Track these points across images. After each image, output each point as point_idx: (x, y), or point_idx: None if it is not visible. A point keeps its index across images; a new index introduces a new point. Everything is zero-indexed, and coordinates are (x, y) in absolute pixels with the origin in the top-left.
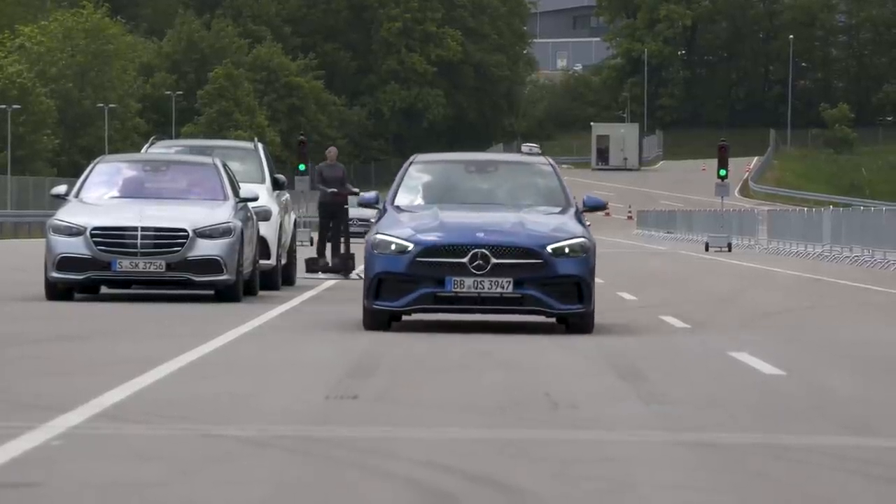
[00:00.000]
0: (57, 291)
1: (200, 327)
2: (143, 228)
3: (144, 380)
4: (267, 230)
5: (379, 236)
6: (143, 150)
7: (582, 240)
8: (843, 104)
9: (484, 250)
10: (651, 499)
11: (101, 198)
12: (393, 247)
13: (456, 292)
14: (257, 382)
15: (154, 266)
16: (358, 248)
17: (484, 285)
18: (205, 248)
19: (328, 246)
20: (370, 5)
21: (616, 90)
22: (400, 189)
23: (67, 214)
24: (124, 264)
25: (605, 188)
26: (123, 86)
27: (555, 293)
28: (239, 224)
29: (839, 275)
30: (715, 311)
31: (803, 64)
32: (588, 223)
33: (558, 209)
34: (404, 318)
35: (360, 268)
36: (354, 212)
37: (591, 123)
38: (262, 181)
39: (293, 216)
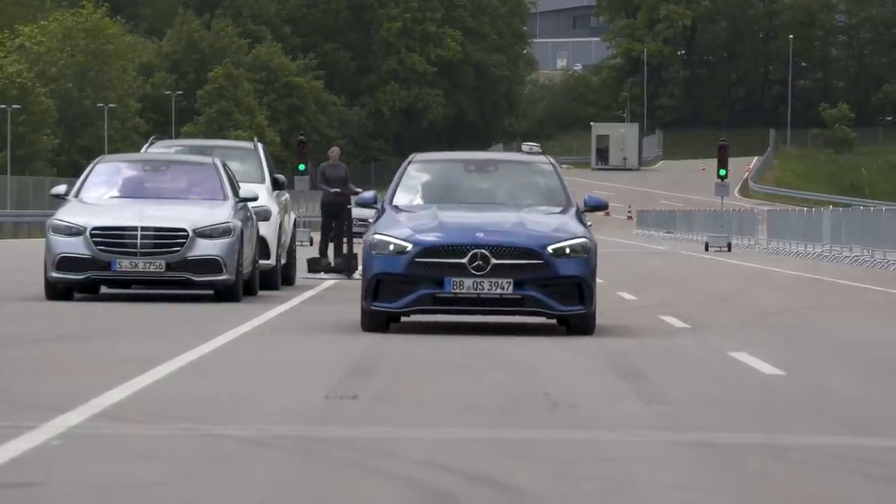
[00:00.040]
0: (57, 291)
1: (200, 327)
2: (143, 228)
3: (144, 380)
4: (267, 230)
5: (377, 236)
6: (142, 150)
7: (583, 240)
8: (842, 104)
9: (484, 251)
10: (651, 499)
11: (101, 198)
12: (391, 247)
13: (455, 293)
14: (257, 382)
15: (154, 266)
16: (361, 248)
17: (483, 286)
18: (204, 248)
19: (331, 246)
20: (370, 5)
21: (616, 90)
22: (398, 189)
23: (67, 214)
24: (124, 264)
25: (605, 188)
26: (123, 86)
27: (555, 294)
28: (239, 224)
29: (839, 275)
30: (715, 311)
31: (803, 64)
32: (589, 223)
33: (559, 209)
34: (403, 319)
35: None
36: (357, 212)
37: (591, 123)
38: (262, 181)
39: (293, 216)
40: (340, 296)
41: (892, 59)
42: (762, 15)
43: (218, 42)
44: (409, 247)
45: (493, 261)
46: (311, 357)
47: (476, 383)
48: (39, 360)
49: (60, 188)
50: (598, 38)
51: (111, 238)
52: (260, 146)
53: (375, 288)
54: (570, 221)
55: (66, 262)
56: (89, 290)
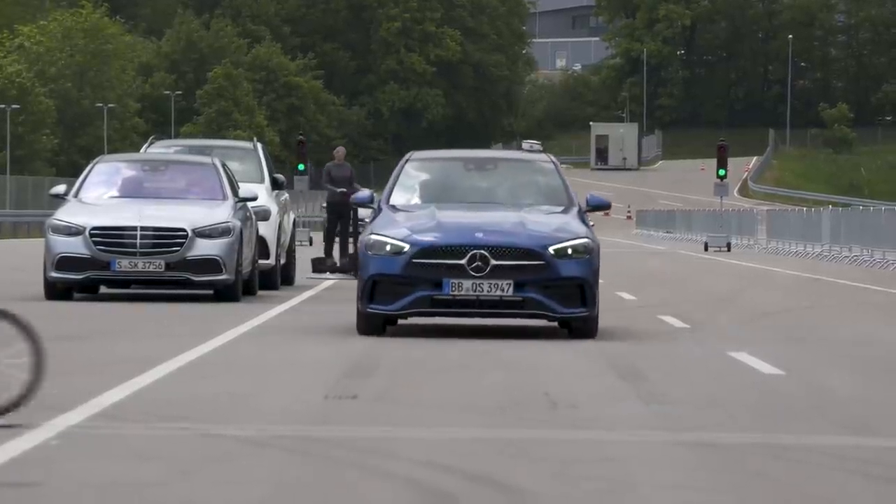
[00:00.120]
0: (56, 291)
1: (199, 327)
2: (143, 228)
3: (143, 379)
4: (266, 230)
5: (373, 237)
6: (142, 150)
7: (585, 240)
8: (842, 104)
9: (483, 251)
10: (651, 499)
11: (101, 197)
12: (388, 248)
13: (454, 295)
14: (256, 382)
15: (153, 266)
16: None
17: (483, 288)
18: (204, 248)
19: (336, 246)
20: (369, 5)
21: (615, 90)
22: (395, 188)
23: (66, 214)
24: (123, 264)
25: (605, 188)
26: (122, 85)
27: (557, 296)
28: (238, 224)
29: (838, 274)
30: (714, 311)
31: (802, 64)
32: (591, 223)
33: (560, 208)
34: (400, 322)
35: None
36: (364, 212)
37: (591, 123)
38: (262, 181)
39: (292, 216)
40: (340, 296)
41: (891, 59)
42: (761, 15)
43: (217, 42)
44: (407, 247)
45: (493, 262)
46: (310, 357)
47: (476, 383)
48: None
49: (60, 188)
50: (597, 38)
51: (110, 238)
52: (259, 146)
53: (372, 290)
54: (571, 221)
55: (65, 262)
56: (89, 290)
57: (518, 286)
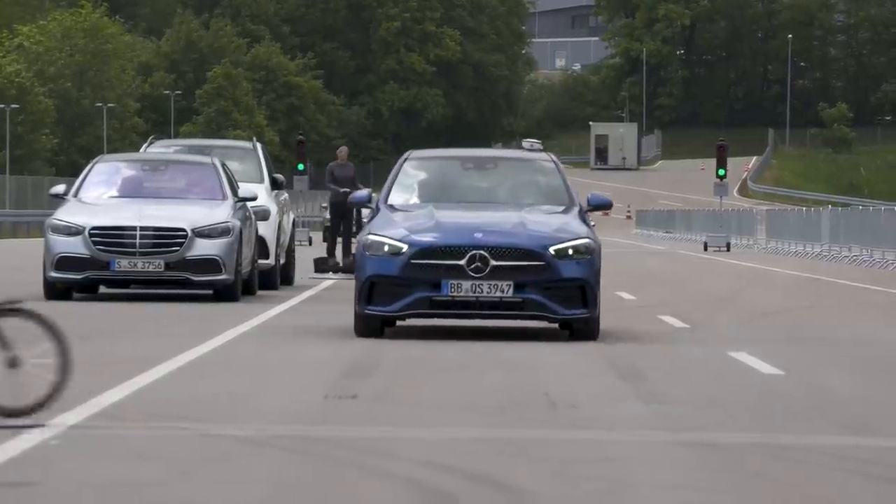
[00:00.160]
0: (55, 291)
1: (199, 327)
2: (142, 228)
3: (143, 379)
4: (265, 230)
5: (371, 237)
6: (141, 150)
7: (586, 240)
8: (841, 104)
9: (482, 252)
10: (651, 499)
11: (100, 197)
12: (386, 248)
13: (453, 296)
14: (256, 382)
15: (153, 266)
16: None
17: (482, 289)
18: (203, 248)
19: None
20: (369, 5)
21: (615, 90)
22: (394, 187)
23: (66, 214)
24: (123, 264)
25: (604, 188)
26: (122, 85)
27: (558, 297)
28: (237, 224)
29: (838, 274)
30: (714, 311)
31: (802, 63)
32: (592, 223)
33: (561, 208)
34: (398, 323)
35: None
36: (366, 211)
37: (590, 123)
38: (261, 181)
39: (292, 216)
40: (339, 296)
41: (890, 59)
42: (761, 14)
43: (217, 42)
44: (405, 248)
45: (493, 262)
46: (310, 357)
47: (476, 383)
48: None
49: (59, 188)
50: (596, 38)
51: (110, 238)
52: (259, 146)
53: (369, 291)
54: (572, 221)
55: (65, 262)
56: (88, 290)
57: (518, 287)
